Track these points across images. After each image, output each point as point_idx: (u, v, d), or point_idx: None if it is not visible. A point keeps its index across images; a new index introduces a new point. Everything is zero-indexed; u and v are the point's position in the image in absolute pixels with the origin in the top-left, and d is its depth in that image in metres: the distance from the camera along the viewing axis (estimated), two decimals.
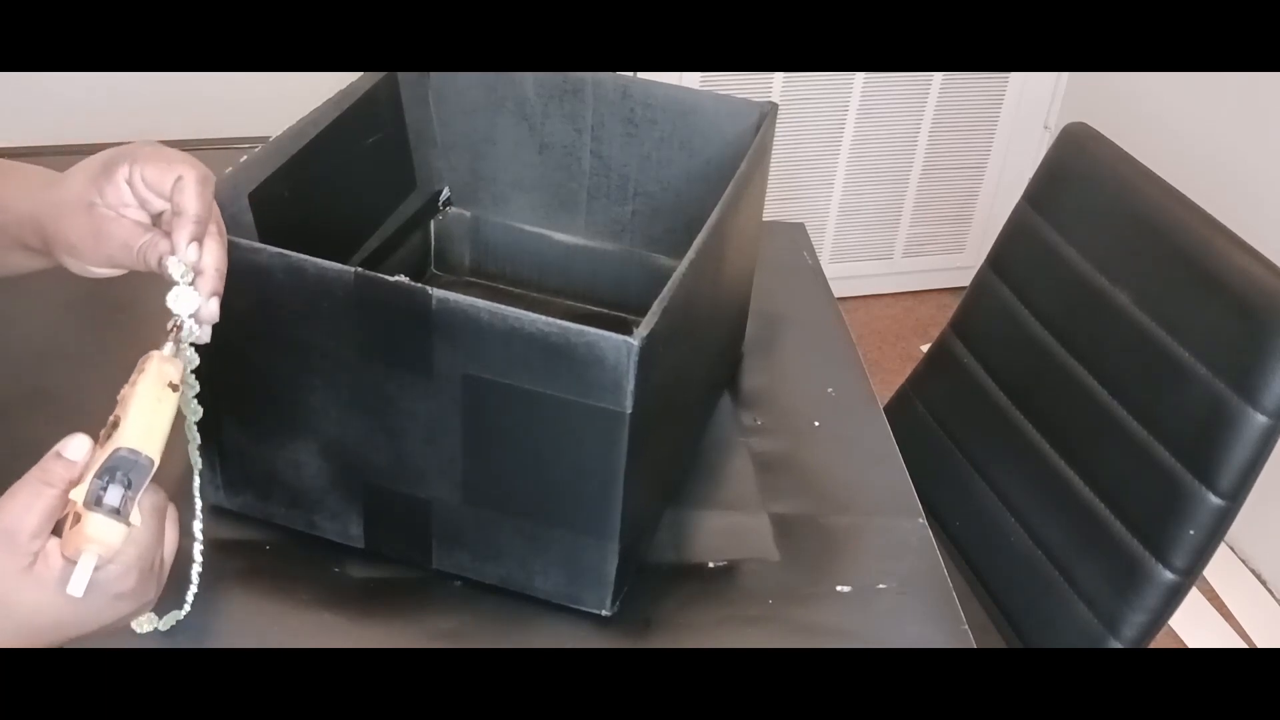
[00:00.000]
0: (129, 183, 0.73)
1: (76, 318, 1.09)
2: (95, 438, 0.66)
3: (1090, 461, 1.13)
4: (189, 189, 0.72)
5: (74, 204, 0.73)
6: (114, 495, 0.63)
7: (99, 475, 0.63)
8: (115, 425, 0.65)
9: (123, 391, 0.67)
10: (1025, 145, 2.39)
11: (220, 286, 0.72)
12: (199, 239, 0.71)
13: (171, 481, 0.75)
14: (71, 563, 0.62)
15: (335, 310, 0.77)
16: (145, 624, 0.79)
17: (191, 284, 0.70)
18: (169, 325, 0.71)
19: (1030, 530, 1.18)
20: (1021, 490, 1.20)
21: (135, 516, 0.63)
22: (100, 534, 0.62)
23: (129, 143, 0.74)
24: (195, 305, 0.71)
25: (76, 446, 0.65)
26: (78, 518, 0.62)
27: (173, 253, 0.70)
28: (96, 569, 0.62)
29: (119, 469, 0.63)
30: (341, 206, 1.00)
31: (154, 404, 0.66)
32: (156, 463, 0.64)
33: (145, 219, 0.74)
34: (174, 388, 0.67)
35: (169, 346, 0.70)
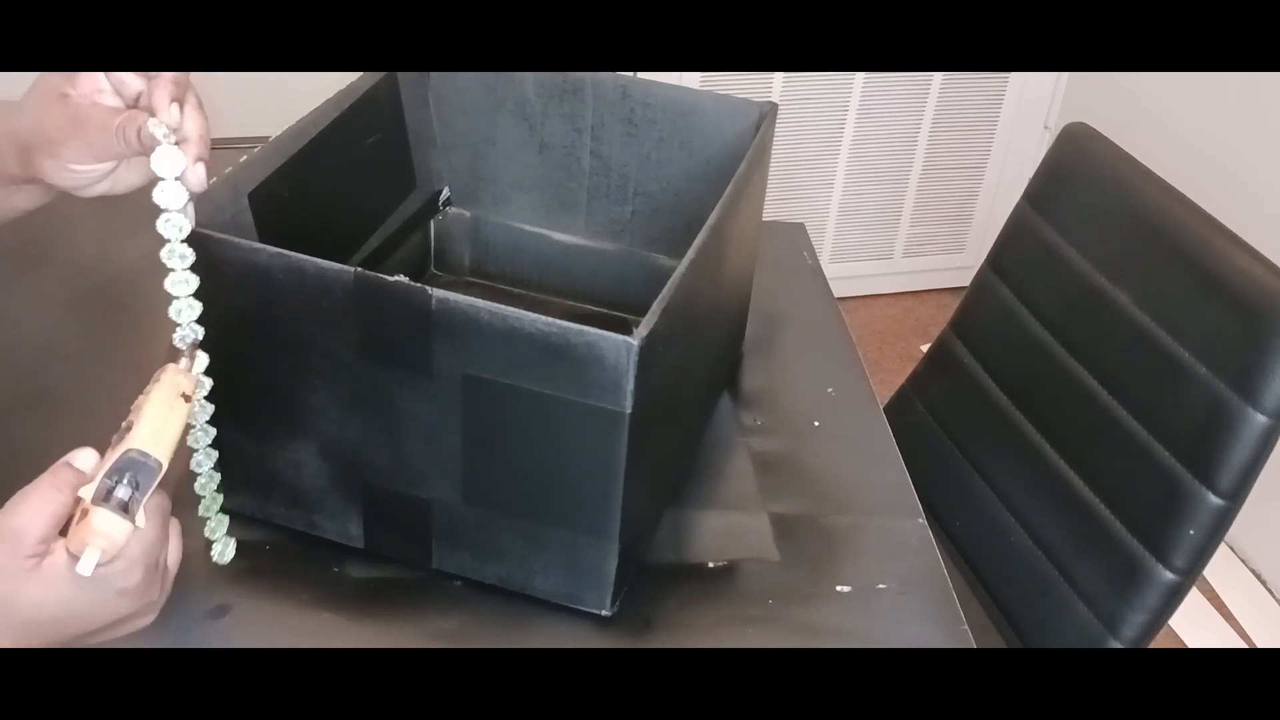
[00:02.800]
0: None
1: (76, 318, 1.09)
2: (98, 439, 0.68)
3: (1090, 461, 1.13)
4: None
5: (48, 98, 0.73)
6: (122, 494, 0.64)
7: (109, 475, 0.65)
8: (128, 429, 0.67)
9: (137, 400, 0.68)
10: (1025, 145, 2.39)
11: (205, 153, 0.71)
12: (179, 100, 0.71)
13: (179, 490, 0.75)
14: (75, 557, 0.63)
15: (335, 310, 0.77)
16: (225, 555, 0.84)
17: (175, 145, 0.70)
18: (187, 345, 0.74)
19: (1030, 530, 1.18)
20: (1021, 490, 1.20)
21: (141, 518, 0.65)
22: (106, 528, 0.64)
23: None
24: (181, 166, 0.70)
25: (85, 457, 0.66)
26: (85, 513, 0.64)
27: (152, 123, 0.70)
28: (103, 564, 0.64)
29: (128, 469, 0.65)
30: (341, 206, 1.00)
31: (165, 411, 0.68)
32: (165, 466, 0.66)
33: (120, 105, 0.73)
34: (186, 398, 0.69)
35: (184, 362, 0.72)
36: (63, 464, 0.66)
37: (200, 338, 0.75)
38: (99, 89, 0.73)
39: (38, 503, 0.64)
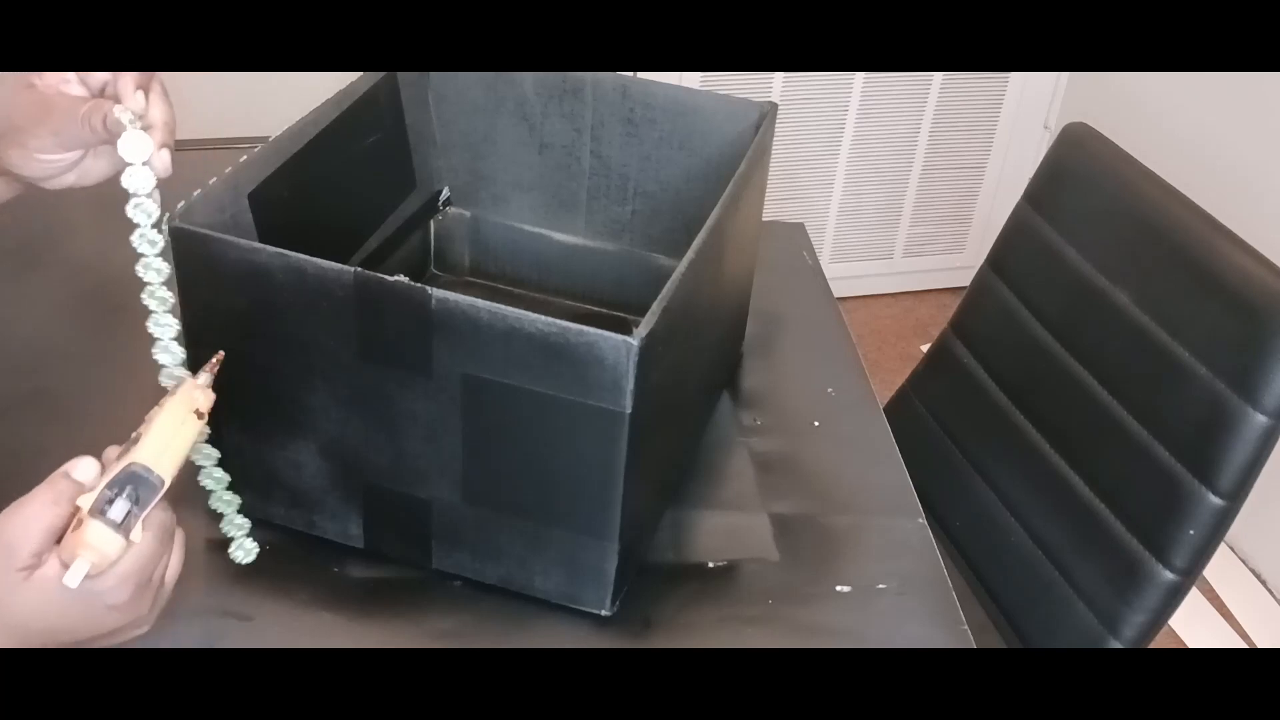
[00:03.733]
0: None
1: (76, 318, 1.09)
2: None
3: (1090, 461, 1.13)
4: None
5: (14, 87, 0.73)
6: (119, 509, 0.63)
7: (109, 486, 0.64)
8: (136, 440, 0.66)
9: (151, 411, 0.68)
10: (1025, 145, 2.39)
11: (171, 140, 0.72)
12: (144, 88, 0.71)
13: (186, 489, 0.75)
14: (66, 566, 0.63)
15: (335, 310, 0.77)
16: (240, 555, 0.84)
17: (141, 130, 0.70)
18: (210, 362, 0.72)
19: (1030, 530, 1.18)
20: (1021, 490, 1.20)
21: (137, 533, 0.64)
22: (98, 541, 0.63)
23: None
24: (148, 151, 0.71)
25: (85, 468, 0.65)
26: (81, 523, 0.63)
27: (118, 109, 0.70)
28: (92, 576, 0.63)
29: (129, 483, 0.64)
30: (341, 206, 1.00)
31: (176, 426, 0.67)
32: (168, 483, 0.65)
33: (86, 94, 0.73)
34: (200, 415, 0.68)
35: (204, 377, 0.71)
36: (61, 475, 0.65)
37: (222, 356, 0.73)
38: (65, 78, 0.73)
39: (34, 514, 0.63)
